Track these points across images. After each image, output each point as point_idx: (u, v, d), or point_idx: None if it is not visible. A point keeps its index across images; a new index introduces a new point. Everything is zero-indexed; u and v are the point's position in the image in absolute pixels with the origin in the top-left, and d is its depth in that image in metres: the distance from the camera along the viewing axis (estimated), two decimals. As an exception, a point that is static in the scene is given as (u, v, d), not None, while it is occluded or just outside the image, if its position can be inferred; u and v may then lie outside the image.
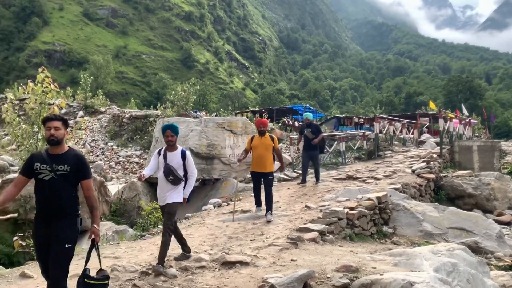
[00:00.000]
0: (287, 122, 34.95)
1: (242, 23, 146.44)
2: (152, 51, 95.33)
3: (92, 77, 45.97)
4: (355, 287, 4.85)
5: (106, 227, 9.78)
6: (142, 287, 5.08)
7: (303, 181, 11.75)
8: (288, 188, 11.74)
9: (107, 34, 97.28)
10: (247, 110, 47.18)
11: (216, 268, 5.75)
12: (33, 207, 9.40)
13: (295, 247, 6.45)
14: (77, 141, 30.52)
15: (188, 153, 5.97)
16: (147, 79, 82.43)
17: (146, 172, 5.84)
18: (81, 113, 34.10)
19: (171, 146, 5.90)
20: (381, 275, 4.83)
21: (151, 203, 9.68)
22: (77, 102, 35.58)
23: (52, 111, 12.16)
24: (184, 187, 5.90)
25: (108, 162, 27.42)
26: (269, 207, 8.48)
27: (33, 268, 5.89)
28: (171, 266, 5.62)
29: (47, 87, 12.05)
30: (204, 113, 38.77)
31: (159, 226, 8.79)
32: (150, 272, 5.43)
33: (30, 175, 4.09)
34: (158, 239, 7.65)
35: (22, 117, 12.67)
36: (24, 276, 5.34)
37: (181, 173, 5.80)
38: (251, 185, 12.68)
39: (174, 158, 5.81)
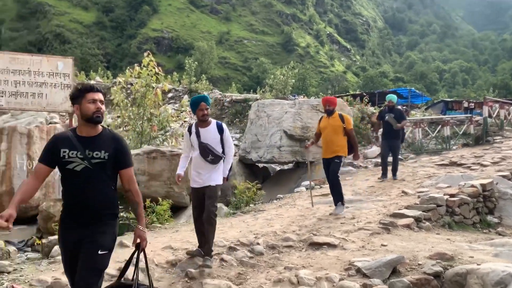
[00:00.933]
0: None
1: (344, 5, 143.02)
2: (254, 36, 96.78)
3: (196, 62, 47.89)
4: (448, 275, 4.56)
5: (202, 205, 10.22)
6: (229, 261, 5.21)
7: (384, 175, 10.33)
8: (385, 173, 11.35)
9: (211, 20, 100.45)
10: (347, 93, 46.19)
11: (303, 248, 5.73)
12: (137, 183, 10.06)
13: (386, 233, 6.22)
14: (182, 123, 32.24)
15: (224, 125, 5.23)
16: (248, 64, 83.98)
17: (181, 171, 5.28)
18: (186, 97, 35.54)
19: (204, 122, 5.12)
20: (478, 265, 4.48)
21: (244, 183, 9.88)
22: (182, 87, 37.26)
23: (156, 94, 12.86)
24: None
25: (209, 144, 28.52)
26: (336, 198, 7.43)
27: (130, 239, 6.30)
28: (258, 244, 5.70)
29: (151, 70, 12.74)
30: (302, 97, 38.68)
31: (250, 205, 8.96)
32: (238, 248, 5.56)
33: (54, 164, 3.18)
34: (249, 217, 7.83)
35: (129, 99, 13.50)
36: (122, 245, 5.71)
37: (219, 149, 5.08)
38: (345, 168, 12.45)
39: (209, 134, 5.08)
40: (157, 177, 10.32)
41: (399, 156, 11.37)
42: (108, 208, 3.20)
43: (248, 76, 79.51)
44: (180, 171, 5.29)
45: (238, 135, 29.36)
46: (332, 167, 7.37)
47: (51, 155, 3.16)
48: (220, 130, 5.12)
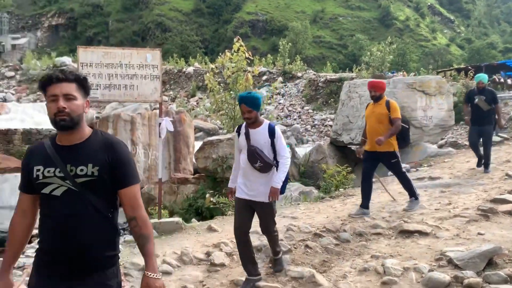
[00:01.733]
0: (497, 80, 31.17)
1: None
2: (349, 12, 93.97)
3: (290, 43, 47.78)
4: (554, 270, 4.14)
5: (293, 188, 10.25)
6: (314, 248, 5.18)
7: (479, 163, 9.19)
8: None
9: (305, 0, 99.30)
10: (451, 68, 43.46)
11: (392, 236, 5.53)
12: (229, 167, 10.34)
13: (485, 220, 5.78)
14: (277, 105, 32.50)
15: (277, 128, 4.35)
16: (343, 42, 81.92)
17: (233, 184, 4.52)
18: (280, 79, 35.77)
19: (252, 124, 4.33)
20: None
21: (334, 166, 9.72)
22: (276, 69, 37.49)
23: (247, 78, 13.04)
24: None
25: (304, 125, 28.49)
26: (410, 193, 6.71)
27: (219, 223, 6.51)
28: (344, 231, 5.60)
29: (242, 55, 12.92)
30: (402, 73, 37.07)
31: (340, 189, 8.80)
32: (324, 234, 5.50)
33: (33, 189, 2.25)
34: (337, 202, 7.71)
35: (221, 84, 13.85)
36: (210, 229, 5.93)
37: (270, 156, 4.26)
38: (444, 150, 11.76)
39: (260, 137, 4.28)
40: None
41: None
42: (104, 249, 2.22)
43: (344, 54, 77.65)
44: (231, 184, 4.56)
45: (333, 116, 29.01)
46: (392, 168, 6.74)
47: (27, 177, 2.26)
48: (272, 133, 4.25)
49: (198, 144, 12.76)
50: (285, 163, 4.28)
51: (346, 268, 4.66)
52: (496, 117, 8.93)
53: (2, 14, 78.98)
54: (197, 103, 33.01)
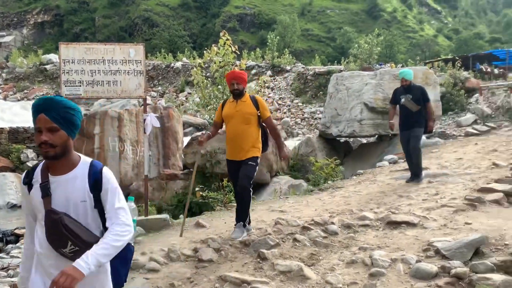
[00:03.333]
0: (484, 70, 31.34)
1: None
2: (337, 4, 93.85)
3: (278, 37, 47.65)
4: (540, 257, 4.16)
5: (283, 181, 10.26)
6: (302, 241, 5.16)
7: (412, 177, 7.79)
8: (476, 144, 10.61)
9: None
10: (438, 59, 43.60)
11: (380, 228, 5.53)
12: (218, 162, 10.31)
13: (472, 209, 5.81)
14: (266, 99, 32.48)
15: (106, 171, 2.34)
16: (331, 35, 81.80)
17: None
18: (269, 72, 35.68)
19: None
20: None
21: (322, 159, 9.74)
22: (265, 62, 37.38)
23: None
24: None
25: (294, 119, 28.48)
26: (240, 217, 5.33)
27: (207, 218, 6.48)
28: (332, 223, 5.59)
29: (228, 49, 12.86)
30: (389, 65, 37.17)
31: (329, 181, 8.81)
32: (312, 227, 5.49)
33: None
34: (325, 195, 7.70)
35: (209, 79, 13.79)
36: (198, 225, 5.89)
37: (94, 227, 2.33)
38: (431, 140, 11.80)
39: (72, 190, 2.28)
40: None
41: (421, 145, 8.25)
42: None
43: (332, 47, 77.66)
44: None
45: (322, 109, 29.05)
46: (242, 171, 5.15)
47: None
48: (96, 181, 2.31)
49: (187, 140, 12.71)
50: (119, 237, 2.22)
51: (334, 260, 4.66)
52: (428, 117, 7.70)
53: (-14, 12, 77.99)
54: (186, 98, 32.82)
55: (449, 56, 43.72)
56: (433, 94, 12.04)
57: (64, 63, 5.69)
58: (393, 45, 60.38)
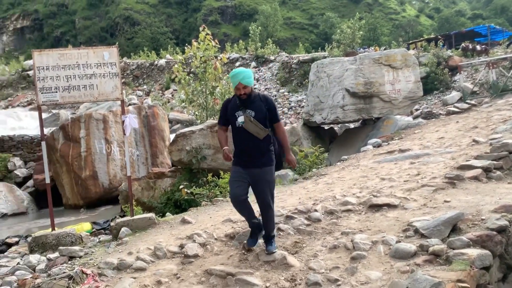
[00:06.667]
0: (465, 47, 31.59)
1: None
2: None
3: (261, 27, 47.54)
4: (514, 229, 4.28)
5: (270, 172, 10.31)
6: (286, 230, 5.25)
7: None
8: (457, 122, 10.74)
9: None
10: (421, 39, 43.79)
11: (362, 212, 5.62)
12: (204, 157, 10.36)
13: (452, 187, 5.91)
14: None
15: None
16: (314, 21, 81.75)
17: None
18: (253, 63, 35.64)
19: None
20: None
21: (307, 148, 9.82)
22: (249, 54, 37.32)
23: (216, 67, 12.99)
24: None
25: (281, 108, 28.53)
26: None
27: (193, 214, 6.55)
28: (315, 210, 5.68)
29: (208, 44, 12.85)
30: (373, 48, 37.27)
31: (313, 169, 8.89)
32: (295, 216, 5.57)
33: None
34: (310, 183, 7.79)
35: (191, 75, 13.78)
36: (184, 221, 5.96)
37: None
38: (414, 121, 11.93)
39: None
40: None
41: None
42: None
43: (316, 34, 77.62)
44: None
45: (308, 97, 29.10)
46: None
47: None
48: None
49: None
50: None
51: (317, 247, 4.75)
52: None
53: (-35, 20, 76.89)
54: (172, 95, 32.75)
55: (432, 36, 43.90)
56: (414, 75, 12.18)
57: (39, 70, 5.70)
58: (376, 28, 60.48)
